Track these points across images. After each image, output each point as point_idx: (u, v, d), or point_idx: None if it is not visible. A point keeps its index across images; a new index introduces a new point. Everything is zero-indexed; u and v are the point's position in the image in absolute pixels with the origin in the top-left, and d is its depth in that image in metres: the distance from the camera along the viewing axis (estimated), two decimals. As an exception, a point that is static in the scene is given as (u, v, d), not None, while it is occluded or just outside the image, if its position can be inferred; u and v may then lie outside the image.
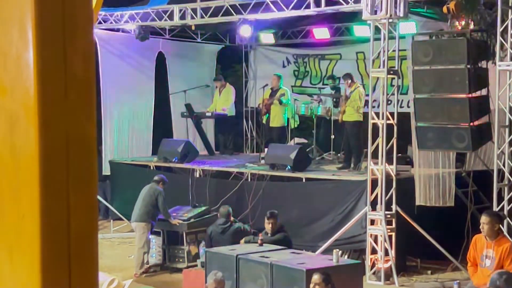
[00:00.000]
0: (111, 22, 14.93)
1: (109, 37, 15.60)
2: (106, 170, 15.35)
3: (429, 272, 11.19)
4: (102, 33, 15.24)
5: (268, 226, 9.84)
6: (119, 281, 6.41)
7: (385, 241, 10.55)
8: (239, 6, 13.13)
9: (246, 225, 11.36)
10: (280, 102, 14.61)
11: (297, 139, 15.05)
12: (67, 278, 1.49)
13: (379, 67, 10.99)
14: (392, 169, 10.78)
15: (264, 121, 15.24)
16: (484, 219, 7.85)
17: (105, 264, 10.99)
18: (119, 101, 15.74)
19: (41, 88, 1.44)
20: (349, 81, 13.01)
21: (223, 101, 15.74)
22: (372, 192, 10.81)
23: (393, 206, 10.76)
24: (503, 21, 9.90)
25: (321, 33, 16.07)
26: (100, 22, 14.63)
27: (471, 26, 10.84)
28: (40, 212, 1.45)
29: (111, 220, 14.85)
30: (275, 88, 14.89)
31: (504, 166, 10.06)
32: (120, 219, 14.72)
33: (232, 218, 11.19)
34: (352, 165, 12.67)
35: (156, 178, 12.20)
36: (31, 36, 1.43)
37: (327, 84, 15.84)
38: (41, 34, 1.43)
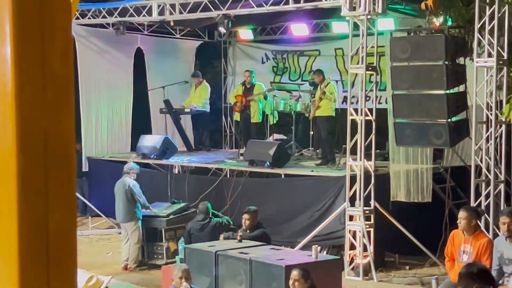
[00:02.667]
0: (89, 18, 14.85)
1: (87, 32, 15.51)
2: (84, 166, 15.29)
3: (407, 267, 11.25)
4: (80, 29, 15.15)
5: (245, 222, 9.79)
6: (98, 277, 6.39)
7: (363, 236, 10.59)
8: (217, 2, 13.11)
9: (225, 218, 11.32)
10: (266, 98, 14.60)
11: (276, 136, 15.06)
12: (45, 276, 1.48)
13: (357, 63, 11.02)
14: (370, 165, 10.82)
15: (237, 118, 15.22)
16: (461, 214, 7.91)
17: (83, 261, 10.94)
18: (97, 97, 15.66)
19: (19, 84, 1.43)
20: (321, 77, 13.07)
21: (197, 97, 15.70)
22: (350, 188, 10.84)
23: (372, 202, 10.80)
24: (480, 17, 9.96)
25: (300, 29, 16.08)
26: (78, 18, 14.53)
27: (449, 23, 10.91)
28: (18, 209, 1.44)
29: (89, 217, 14.77)
30: (249, 84, 14.84)
31: (481, 161, 10.13)
32: (99, 216, 14.66)
33: (211, 212, 11.19)
34: (329, 161, 12.72)
35: (125, 169, 12.11)
36: (8, 31, 1.42)
37: (306, 81, 15.87)
38: (19, 30, 1.42)
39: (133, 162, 13.33)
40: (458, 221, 7.95)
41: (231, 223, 11.12)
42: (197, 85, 15.83)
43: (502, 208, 9.82)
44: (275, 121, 14.95)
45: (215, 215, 11.24)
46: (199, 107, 15.50)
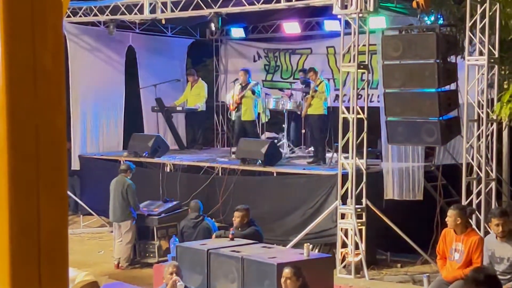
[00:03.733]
0: (81, 16, 14.80)
1: (79, 30, 15.47)
2: (76, 165, 15.25)
3: (398, 265, 11.26)
4: (71, 27, 15.11)
5: (236, 220, 9.75)
6: (86, 274, 6.39)
7: (355, 234, 10.59)
8: (209, 0, 13.08)
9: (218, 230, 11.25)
10: (253, 93, 14.53)
11: (268, 134, 15.06)
12: (37, 274, 1.48)
13: (349, 61, 11.02)
14: (362, 163, 10.83)
15: (233, 117, 15.19)
16: (448, 212, 7.94)
17: (75, 259, 10.92)
18: (89, 95, 15.62)
19: (10, 82, 1.42)
20: (314, 75, 13.06)
21: (194, 96, 15.70)
22: (342, 186, 10.85)
23: (363, 200, 10.81)
24: (471, 16, 9.97)
25: (291, 27, 16.08)
26: (69, 16, 14.50)
27: (440, 21, 10.93)
28: (9, 207, 1.44)
29: (81, 215, 14.75)
30: (244, 83, 14.82)
31: (472, 159, 10.15)
32: (90, 214, 14.64)
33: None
34: (321, 159, 12.74)
35: (122, 166, 12.15)
36: (-1, 29, 1.41)
37: (297, 79, 15.87)
38: (10, 28, 1.41)
39: (126, 160, 13.33)
40: (446, 219, 7.99)
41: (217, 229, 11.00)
42: (193, 84, 15.83)
43: (493, 206, 9.85)
44: (266, 120, 14.96)
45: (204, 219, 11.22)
46: (200, 108, 15.54)
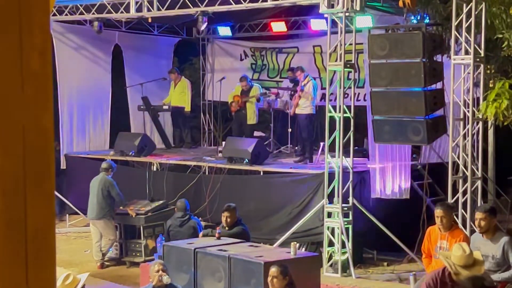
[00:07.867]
0: (66, 14, 14.75)
1: (65, 29, 15.41)
2: (62, 164, 15.20)
3: (385, 263, 11.30)
4: (57, 25, 15.05)
5: (224, 219, 9.76)
6: (74, 276, 6.35)
7: (342, 233, 10.62)
8: (196, -1, 13.08)
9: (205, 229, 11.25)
10: (258, 100, 14.59)
11: (254, 133, 15.07)
12: (24, 274, 1.47)
13: (336, 60, 11.04)
14: (349, 161, 10.85)
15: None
16: (439, 212, 7.87)
17: (61, 258, 10.89)
18: (75, 94, 15.57)
19: (-3, 82, 1.41)
20: (301, 74, 13.08)
21: (178, 94, 15.68)
22: (329, 185, 10.86)
23: (350, 199, 10.84)
24: (457, 15, 10.01)
25: (278, 26, 16.09)
26: (55, 14, 14.44)
27: (427, 20, 10.96)
28: (-4, 207, 1.43)
29: (67, 215, 14.71)
30: (246, 88, 14.82)
31: (458, 158, 10.19)
32: (76, 213, 14.59)
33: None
34: (308, 158, 12.76)
35: (103, 165, 12.14)
36: (-14, 28, 1.40)
37: (284, 78, 15.89)
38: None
39: (111, 159, 13.28)
40: (438, 220, 7.87)
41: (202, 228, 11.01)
42: (176, 82, 15.81)
43: (479, 204, 9.89)
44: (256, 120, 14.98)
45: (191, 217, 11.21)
46: (186, 107, 15.55)
